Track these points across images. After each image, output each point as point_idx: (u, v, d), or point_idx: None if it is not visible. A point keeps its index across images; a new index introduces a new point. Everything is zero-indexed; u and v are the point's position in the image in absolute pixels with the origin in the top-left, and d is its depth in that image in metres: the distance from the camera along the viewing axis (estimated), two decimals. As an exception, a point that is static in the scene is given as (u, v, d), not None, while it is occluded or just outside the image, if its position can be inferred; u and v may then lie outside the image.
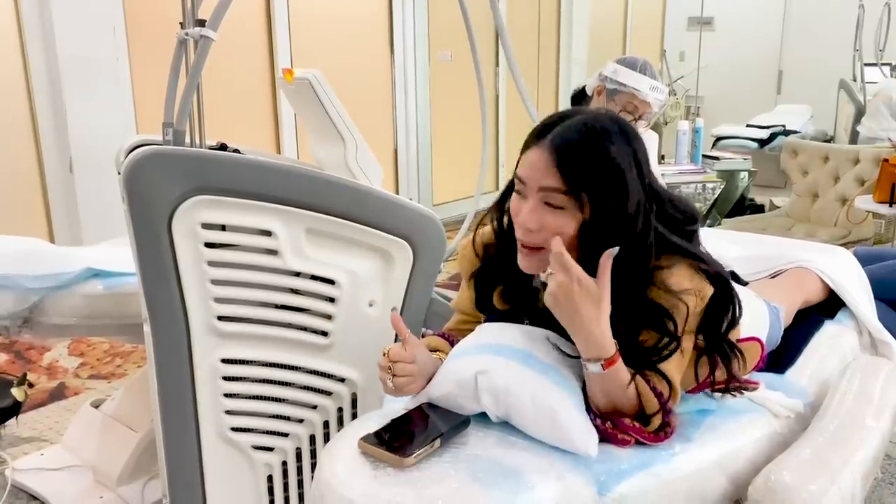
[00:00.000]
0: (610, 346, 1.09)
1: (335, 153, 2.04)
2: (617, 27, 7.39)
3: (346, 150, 2.01)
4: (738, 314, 1.22)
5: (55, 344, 3.15)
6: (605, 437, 1.13)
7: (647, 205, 1.14)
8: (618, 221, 1.11)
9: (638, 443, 1.14)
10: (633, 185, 1.11)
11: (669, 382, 1.15)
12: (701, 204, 4.28)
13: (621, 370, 1.11)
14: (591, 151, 1.10)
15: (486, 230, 1.33)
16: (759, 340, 1.44)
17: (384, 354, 1.20)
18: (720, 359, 1.22)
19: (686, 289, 1.14)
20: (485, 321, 1.33)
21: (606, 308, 1.08)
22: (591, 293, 1.06)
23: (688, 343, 1.18)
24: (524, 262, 1.19)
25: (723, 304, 1.20)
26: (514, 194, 1.18)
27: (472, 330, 1.33)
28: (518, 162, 1.17)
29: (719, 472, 1.19)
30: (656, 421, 1.13)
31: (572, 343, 1.13)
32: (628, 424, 1.13)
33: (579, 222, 1.11)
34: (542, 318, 1.23)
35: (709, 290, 1.17)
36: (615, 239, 1.10)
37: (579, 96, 2.58)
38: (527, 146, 1.16)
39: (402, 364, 1.18)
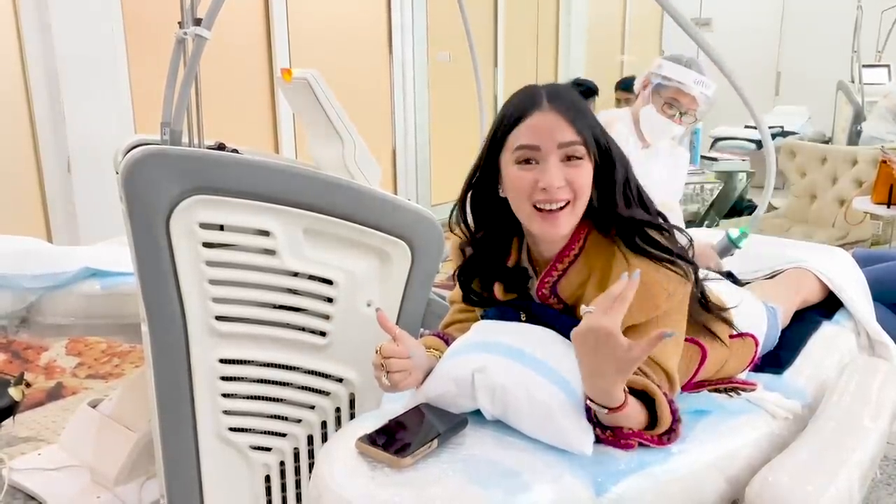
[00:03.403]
0: (618, 399, 1.05)
1: (333, 153, 2.04)
2: (615, 27, 7.40)
3: (344, 150, 2.01)
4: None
5: (53, 343, 3.14)
6: (607, 443, 1.12)
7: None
8: (613, 166, 1.20)
9: (640, 444, 1.13)
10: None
11: (669, 376, 1.16)
12: (699, 205, 4.29)
13: (628, 416, 1.08)
14: (585, 105, 1.21)
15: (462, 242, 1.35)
16: (752, 336, 1.44)
17: (377, 352, 1.18)
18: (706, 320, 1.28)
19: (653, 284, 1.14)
20: (482, 317, 1.33)
21: (626, 376, 1.03)
22: (618, 355, 0.99)
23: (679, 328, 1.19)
24: (544, 226, 1.18)
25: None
26: (515, 167, 1.18)
27: (469, 319, 1.33)
28: (502, 143, 1.20)
29: (716, 473, 1.19)
30: (663, 426, 1.13)
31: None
32: (628, 432, 1.12)
33: (592, 170, 1.18)
34: (539, 314, 1.23)
35: (676, 286, 1.16)
36: (614, 182, 1.19)
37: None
38: (517, 120, 1.18)
39: (395, 360, 1.17)
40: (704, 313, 1.30)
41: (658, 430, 1.12)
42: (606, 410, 1.06)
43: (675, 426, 1.13)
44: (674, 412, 1.12)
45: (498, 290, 1.31)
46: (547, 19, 6.48)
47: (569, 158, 1.15)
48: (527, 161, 1.17)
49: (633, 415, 1.09)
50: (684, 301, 1.20)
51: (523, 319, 1.27)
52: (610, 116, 2.30)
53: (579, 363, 1.05)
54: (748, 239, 1.85)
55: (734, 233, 1.86)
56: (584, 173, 1.16)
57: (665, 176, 2.27)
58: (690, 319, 1.24)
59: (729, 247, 1.86)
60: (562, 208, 1.16)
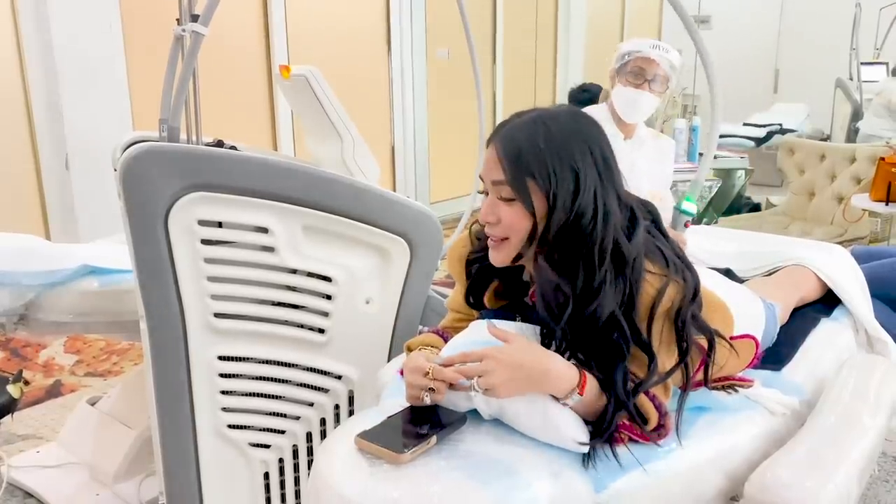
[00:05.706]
0: (572, 373, 1.08)
1: (332, 150, 2.03)
2: (614, 25, 7.40)
3: (342, 147, 2.00)
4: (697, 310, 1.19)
5: (51, 341, 3.14)
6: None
7: (601, 204, 1.11)
8: (570, 214, 1.10)
9: (631, 440, 1.13)
10: (585, 179, 1.11)
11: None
12: (698, 202, 4.28)
13: (597, 385, 1.11)
14: (531, 141, 1.12)
15: (476, 227, 1.33)
16: (753, 338, 1.44)
17: (426, 373, 1.12)
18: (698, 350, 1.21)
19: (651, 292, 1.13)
20: (478, 318, 1.33)
21: (525, 346, 1.08)
22: (508, 355, 1.06)
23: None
24: (492, 254, 1.21)
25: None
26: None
27: (465, 327, 1.33)
28: None
29: (715, 470, 1.20)
30: (652, 423, 1.13)
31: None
32: (619, 423, 1.12)
33: (532, 217, 1.12)
34: (534, 314, 1.23)
35: (675, 291, 1.14)
36: (570, 236, 1.10)
37: (577, 94, 2.57)
38: (487, 146, 1.19)
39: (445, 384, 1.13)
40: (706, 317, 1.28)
41: (647, 427, 1.12)
42: (579, 392, 1.07)
43: (664, 421, 1.13)
44: (658, 407, 1.12)
45: (488, 296, 1.31)
46: (546, 15, 6.48)
47: (501, 198, 1.15)
48: (484, 192, 1.19)
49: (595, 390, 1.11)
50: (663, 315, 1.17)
51: (518, 320, 1.27)
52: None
53: (534, 391, 1.08)
54: (693, 204, 1.86)
55: (679, 202, 1.86)
56: (513, 213, 1.14)
57: (651, 166, 2.25)
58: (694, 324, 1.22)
59: (678, 216, 1.86)
60: (502, 240, 1.18)
